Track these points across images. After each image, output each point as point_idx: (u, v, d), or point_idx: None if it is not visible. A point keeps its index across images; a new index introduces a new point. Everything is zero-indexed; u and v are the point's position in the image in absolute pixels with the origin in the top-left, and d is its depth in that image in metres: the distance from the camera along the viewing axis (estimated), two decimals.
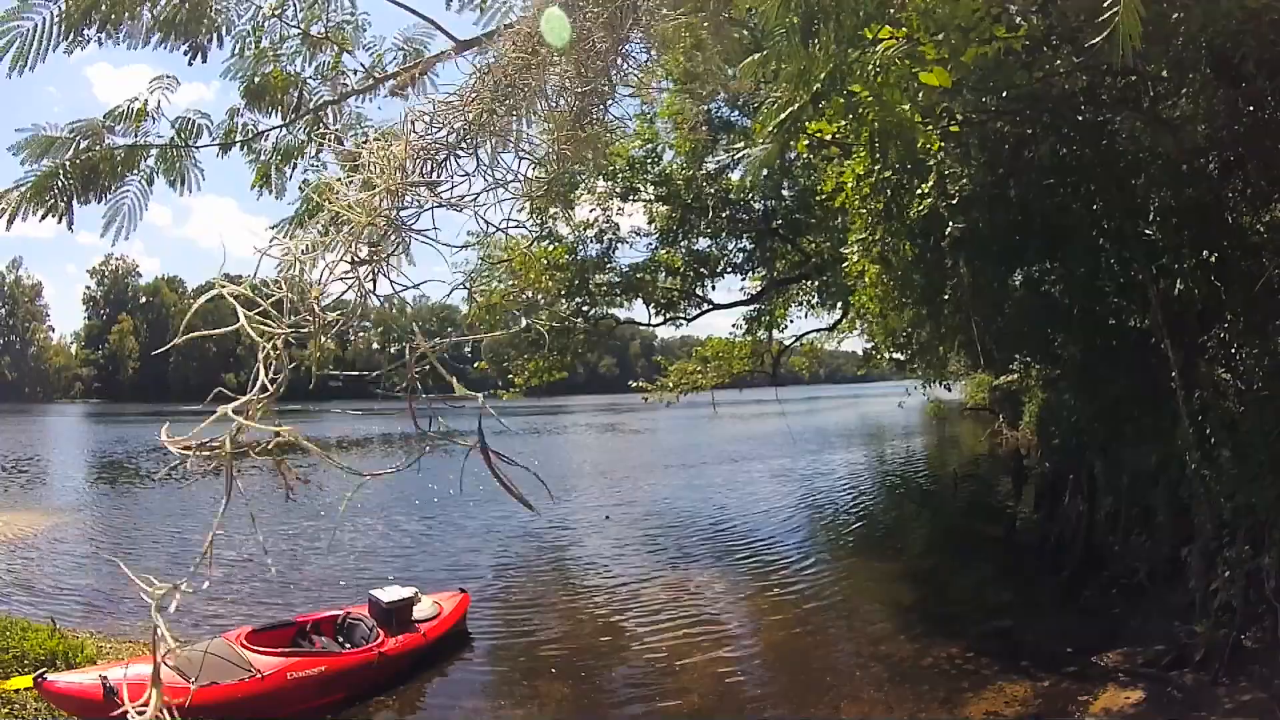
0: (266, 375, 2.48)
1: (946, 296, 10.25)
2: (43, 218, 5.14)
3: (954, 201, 9.29)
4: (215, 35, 5.25)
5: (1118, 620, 10.60)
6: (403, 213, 2.92)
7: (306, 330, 2.66)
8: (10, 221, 5.03)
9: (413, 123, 3.16)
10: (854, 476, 29.95)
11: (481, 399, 2.90)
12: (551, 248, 18.96)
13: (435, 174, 3.13)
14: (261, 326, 2.50)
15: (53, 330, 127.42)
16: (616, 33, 3.75)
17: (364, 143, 3.28)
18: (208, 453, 2.45)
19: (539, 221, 17.89)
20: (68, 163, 5.05)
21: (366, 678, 9.66)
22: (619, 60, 3.90)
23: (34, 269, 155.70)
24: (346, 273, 2.76)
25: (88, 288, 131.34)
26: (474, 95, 3.32)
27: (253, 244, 2.70)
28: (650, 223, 20.20)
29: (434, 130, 3.20)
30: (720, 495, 25.13)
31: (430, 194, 3.05)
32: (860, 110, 4.48)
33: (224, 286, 2.50)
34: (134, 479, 30.22)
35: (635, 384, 22.15)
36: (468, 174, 3.21)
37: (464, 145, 3.20)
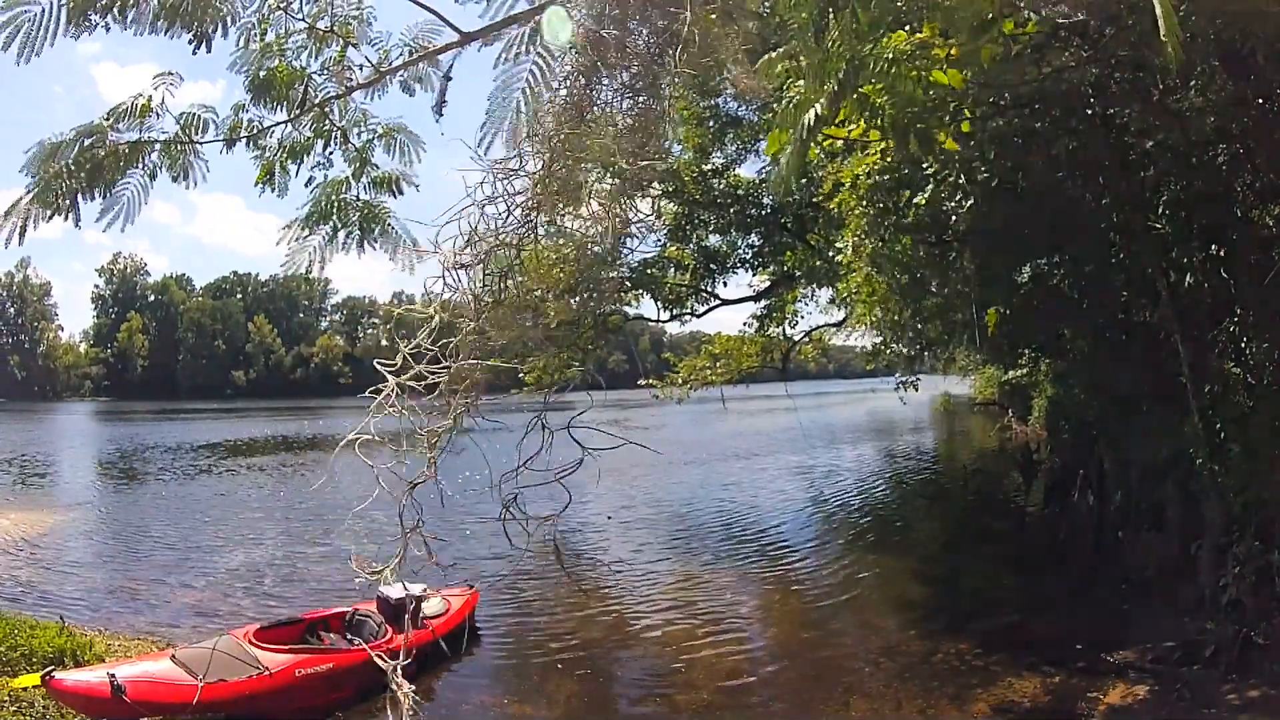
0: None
1: (952, 289, 10.21)
2: (50, 218, 5.14)
3: (958, 198, 9.25)
4: (220, 25, 5.24)
5: (1127, 616, 10.57)
6: None
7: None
8: (22, 234, 5.04)
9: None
10: (863, 472, 29.86)
11: None
12: (560, 242, 18.84)
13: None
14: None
15: (61, 329, 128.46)
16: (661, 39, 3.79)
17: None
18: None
19: (549, 220, 17.79)
20: (72, 161, 5.06)
21: (375, 675, 9.65)
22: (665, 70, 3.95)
23: (42, 268, 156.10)
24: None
25: (96, 286, 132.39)
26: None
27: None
28: (658, 218, 20.13)
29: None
30: (729, 491, 25.09)
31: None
32: (875, 103, 4.41)
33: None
34: (142, 477, 30.29)
35: (646, 381, 22.10)
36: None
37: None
